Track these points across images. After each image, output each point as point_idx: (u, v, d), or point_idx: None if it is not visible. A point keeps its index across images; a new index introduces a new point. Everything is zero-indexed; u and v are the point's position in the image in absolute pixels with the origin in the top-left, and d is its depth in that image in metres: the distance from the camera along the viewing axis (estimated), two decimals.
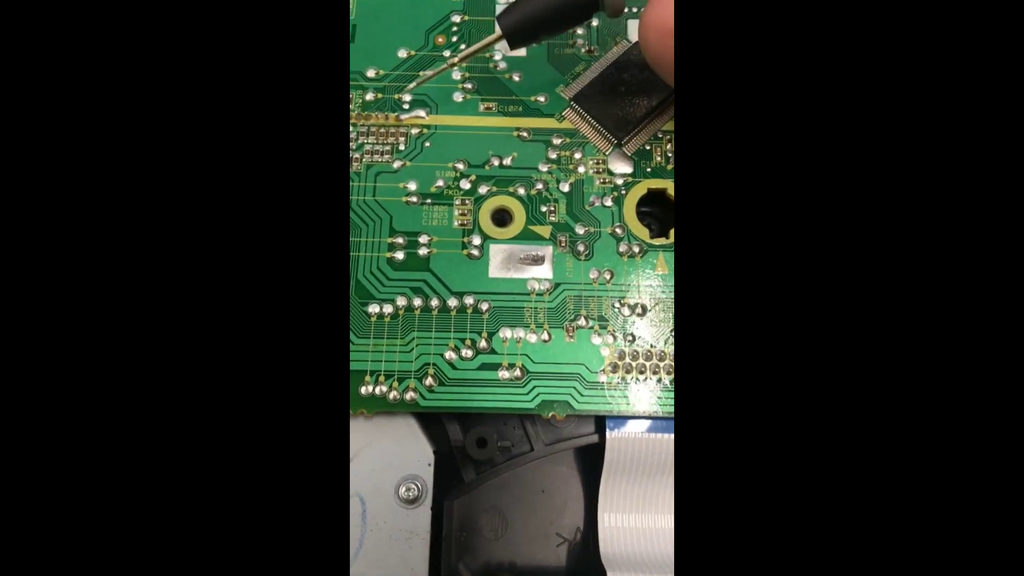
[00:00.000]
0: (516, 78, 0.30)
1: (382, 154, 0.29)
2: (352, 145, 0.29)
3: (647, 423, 0.26)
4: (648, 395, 0.26)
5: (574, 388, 0.26)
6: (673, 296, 0.27)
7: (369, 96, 0.29)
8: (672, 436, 0.26)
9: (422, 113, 0.29)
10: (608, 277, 0.27)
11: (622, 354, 0.26)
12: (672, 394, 0.26)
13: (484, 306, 0.27)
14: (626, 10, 0.31)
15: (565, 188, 0.28)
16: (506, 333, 0.26)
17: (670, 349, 0.26)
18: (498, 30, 0.26)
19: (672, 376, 0.26)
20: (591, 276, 0.27)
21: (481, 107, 0.30)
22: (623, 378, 0.26)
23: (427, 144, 0.29)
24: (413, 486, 0.25)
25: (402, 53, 0.30)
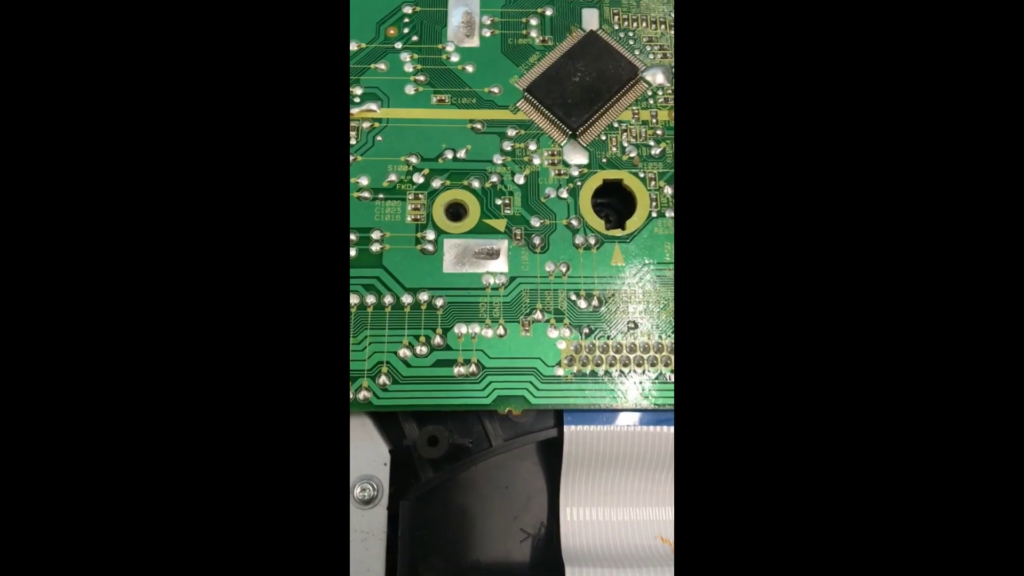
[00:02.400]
0: (469, 69, 0.30)
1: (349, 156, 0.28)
2: None
3: (605, 416, 0.26)
4: (605, 388, 0.26)
5: (530, 383, 0.26)
6: (628, 287, 0.27)
7: None
8: (628, 428, 0.25)
9: (373, 107, 0.29)
10: (564, 270, 0.27)
11: (579, 347, 0.26)
12: (629, 386, 0.26)
13: (439, 302, 0.26)
14: None
15: (520, 180, 0.28)
16: (461, 329, 0.26)
17: (627, 341, 0.26)
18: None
19: (629, 367, 0.26)
20: (547, 269, 0.27)
21: (434, 99, 0.29)
22: (580, 371, 0.26)
23: (379, 138, 0.28)
24: (368, 486, 0.25)
25: (353, 46, 0.30)
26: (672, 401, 0.26)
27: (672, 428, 0.25)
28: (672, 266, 0.27)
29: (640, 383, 0.26)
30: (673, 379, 0.26)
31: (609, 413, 0.26)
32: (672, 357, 0.26)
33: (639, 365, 0.26)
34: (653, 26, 0.31)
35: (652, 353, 0.26)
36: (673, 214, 0.28)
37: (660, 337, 0.26)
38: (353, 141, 0.28)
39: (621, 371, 0.26)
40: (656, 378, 0.26)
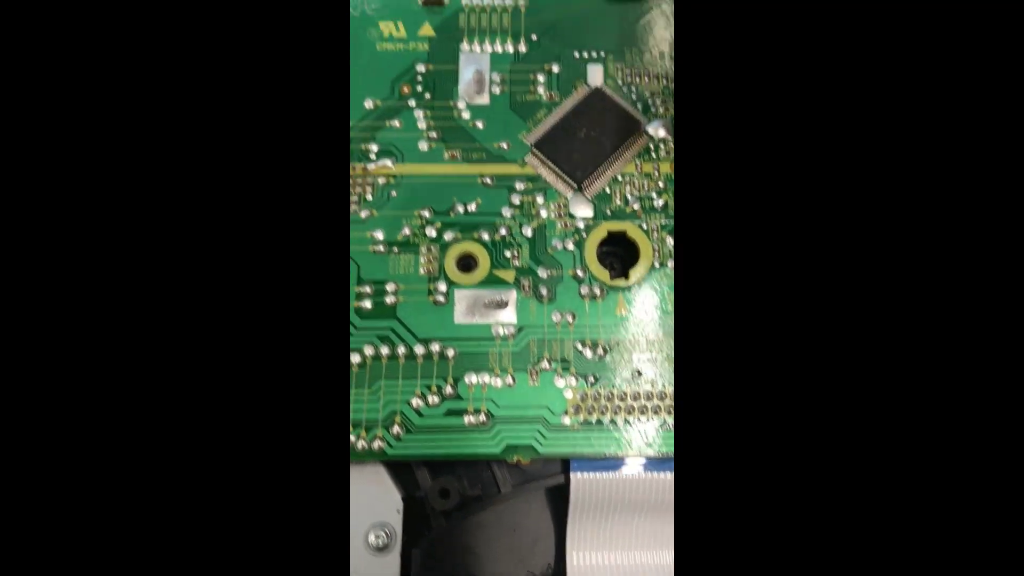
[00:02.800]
0: (479, 125, 0.31)
1: (349, 204, 0.30)
2: None
3: (611, 463, 0.26)
4: (611, 436, 0.26)
5: (538, 431, 0.26)
6: (632, 336, 0.28)
7: None
8: (634, 475, 0.26)
9: (389, 163, 0.30)
10: (570, 319, 0.28)
11: (585, 396, 0.27)
12: (634, 434, 0.26)
13: (450, 352, 0.27)
14: (585, 55, 0.32)
15: (528, 232, 0.29)
16: (471, 378, 0.27)
17: (631, 390, 0.27)
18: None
19: (634, 415, 0.27)
20: (554, 319, 0.28)
21: (446, 155, 0.30)
22: (586, 420, 0.27)
23: (393, 193, 0.30)
24: (382, 533, 0.26)
25: (368, 104, 0.31)
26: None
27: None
28: (674, 315, 0.28)
29: (644, 431, 0.27)
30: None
31: (615, 460, 0.26)
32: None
33: (643, 413, 0.27)
34: (655, 81, 0.32)
35: (656, 401, 0.27)
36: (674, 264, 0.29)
37: (664, 385, 0.27)
38: (369, 196, 0.30)
39: (626, 419, 0.27)
40: (660, 426, 0.27)
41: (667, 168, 0.30)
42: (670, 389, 0.27)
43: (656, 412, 0.27)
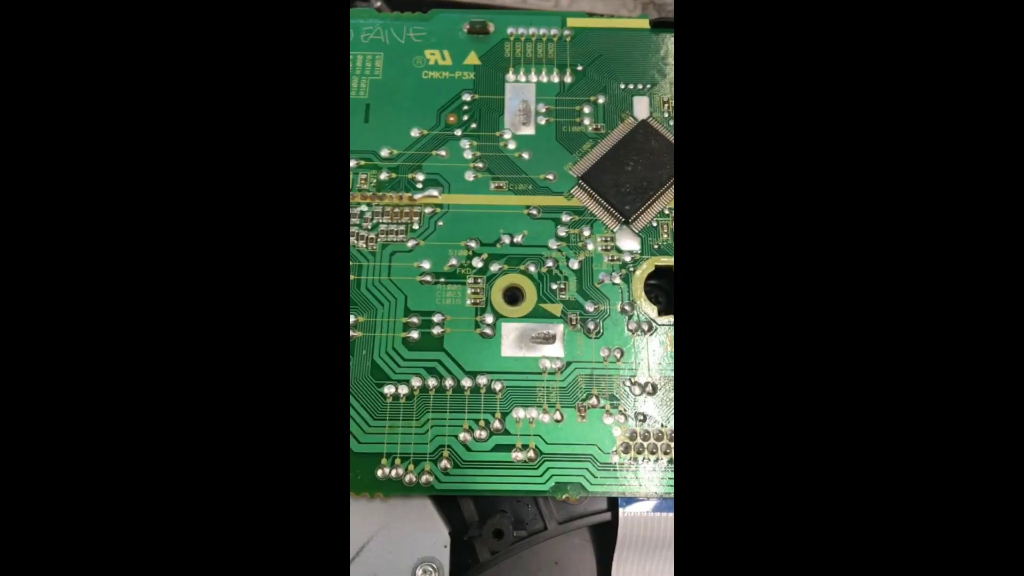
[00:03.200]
0: (525, 156, 0.31)
1: (396, 233, 0.30)
2: (367, 225, 0.30)
3: (659, 502, 0.26)
4: (659, 475, 0.26)
5: (587, 469, 0.26)
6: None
7: (383, 176, 0.30)
8: None
9: (435, 192, 0.30)
10: (618, 355, 0.28)
11: (633, 434, 0.27)
12: None
13: (497, 386, 0.27)
14: (631, 87, 0.32)
15: (575, 265, 0.29)
16: (519, 413, 0.27)
17: None
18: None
19: None
20: (601, 354, 0.28)
21: (492, 185, 0.30)
22: (635, 458, 0.26)
23: (440, 223, 0.30)
24: (430, 568, 0.25)
25: (415, 132, 0.31)
26: None
27: None
28: None
29: None
30: None
31: (664, 500, 0.26)
32: None
33: None
34: None
35: None
36: None
37: None
38: (416, 226, 0.30)
39: (674, 459, 0.27)
40: None
41: None
42: None
43: None
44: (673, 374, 0.28)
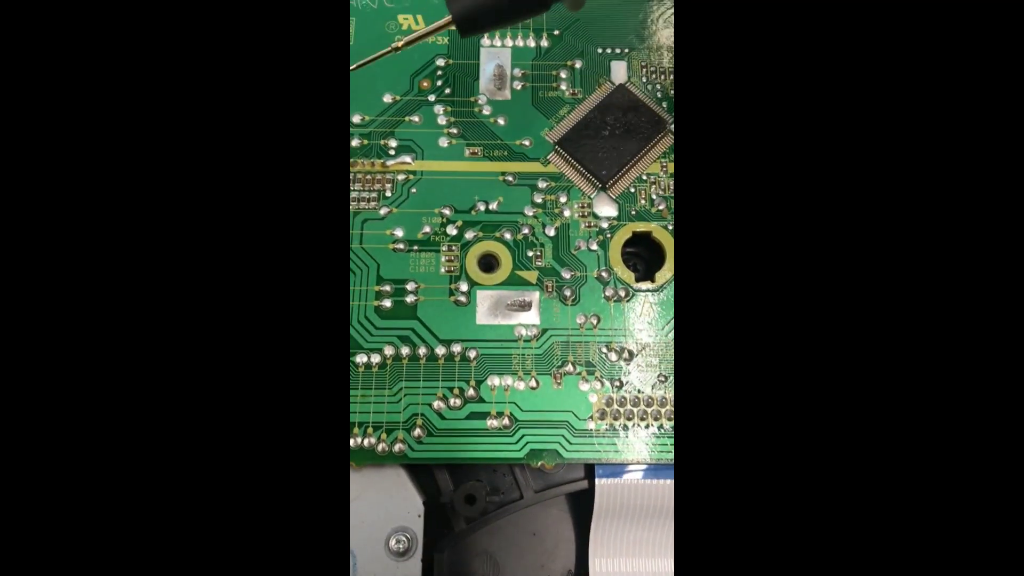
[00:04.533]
0: (501, 122, 0.30)
1: (368, 201, 0.29)
2: None
3: (636, 469, 0.26)
4: (636, 442, 0.26)
5: (562, 436, 0.26)
6: (658, 340, 0.27)
7: (355, 142, 0.30)
8: (660, 482, 0.26)
9: (408, 159, 0.30)
10: (595, 322, 0.27)
11: (610, 400, 0.26)
12: (660, 440, 0.26)
13: (472, 354, 0.27)
14: (608, 51, 0.31)
15: (551, 232, 0.29)
16: (494, 381, 0.27)
17: (657, 394, 0.27)
18: (448, 17, 0.24)
19: (659, 422, 0.26)
20: (578, 321, 0.27)
21: (467, 152, 0.30)
22: (611, 425, 0.26)
23: (413, 190, 0.29)
24: (403, 538, 0.25)
25: (387, 98, 0.30)
26: None
27: None
28: None
29: (671, 436, 0.26)
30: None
31: (640, 466, 0.26)
32: None
33: (669, 419, 0.26)
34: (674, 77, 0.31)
35: None
36: None
37: None
38: (388, 193, 0.29)
39: (651, 424, 0.26)
40: None
41: None
42: None
43: None
44: (650, 341, 0.27)
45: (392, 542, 0.25)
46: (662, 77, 0.31)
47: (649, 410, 0.26)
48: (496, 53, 0.31)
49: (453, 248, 0.28)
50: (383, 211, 0.29)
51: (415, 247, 0.28)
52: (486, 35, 0.31)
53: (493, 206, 0.29)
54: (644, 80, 0.31)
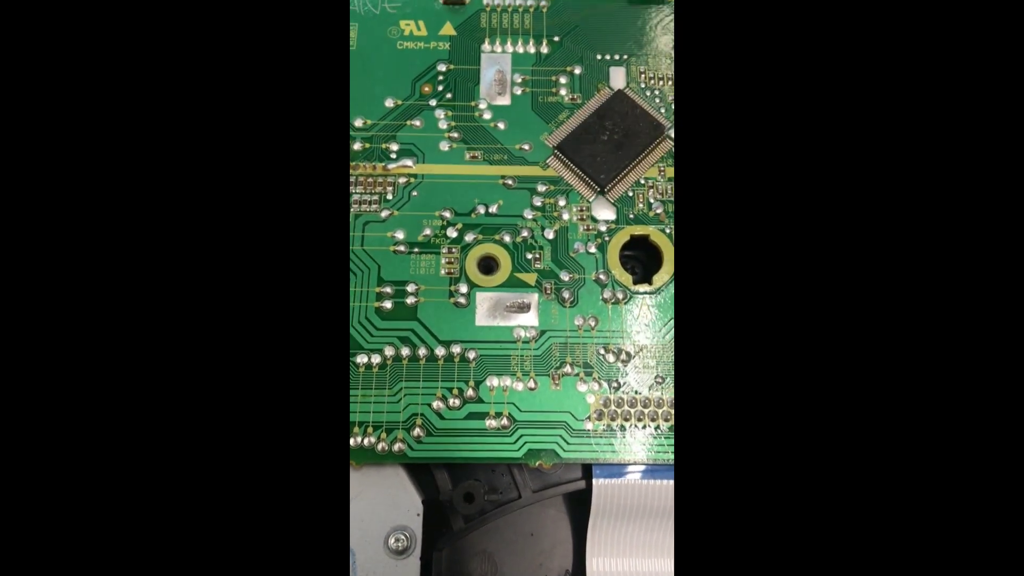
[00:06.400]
0: (501, 126, 0.31)
1: (370, 203, 0.29)
2: None
3: (634, 469, 0.26)
4: (634, 443, 0.26)
5: (560, 436, 0.26)
6: (656, 342, 0.28)
7: (357, 146, 0.30)
8: (657, 482, 0.26)
9: (409, 162, 0.30)
10: (593, 324, 0.28)
11: (607, 401, 0.27)
12: (657, 441, 0.26)
13: (471, 355, 0.27)
14: (607, 57, 0.32)
15: (550, 235, 0.29)
16: (493, 382, 0.27)
17: (655, 395, 0.27)
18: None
19: (656, 423, 0.26)
20: (576, 323, 0.28)
21: (467, 156, 0.30)
22: (608, 426, 0.26)
23: (414, 193, 0.29)
24: (402, 536, 0.25)
25: (389, 103, 0.31)
26: None
27: None
28: None
29: (668, 437, 0.26)
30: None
31: (637, 467, 0.26)
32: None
33: (666, 420, 0.27)
34: (672, 83, 0.32)
35: None
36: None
37: None
38: (389, 196, 0.29)
39: (648, 425, 0.26)
40: None
41: None
42: None
43: None
44: (647, 343, 0.27)
45: (391, 541, 0.25)
46: (660, 83, 0.32)
47: (646, 411, 0.27)
48: (497, 59, 0.32)
49: (453, 250, 0.29)
50: (384, 214, 0.29)
51: (416, 249, 0.29)
52: (487, 40, 0.32)
53: (493, 209, 0.29)
54: (643, 86, 0.31)
